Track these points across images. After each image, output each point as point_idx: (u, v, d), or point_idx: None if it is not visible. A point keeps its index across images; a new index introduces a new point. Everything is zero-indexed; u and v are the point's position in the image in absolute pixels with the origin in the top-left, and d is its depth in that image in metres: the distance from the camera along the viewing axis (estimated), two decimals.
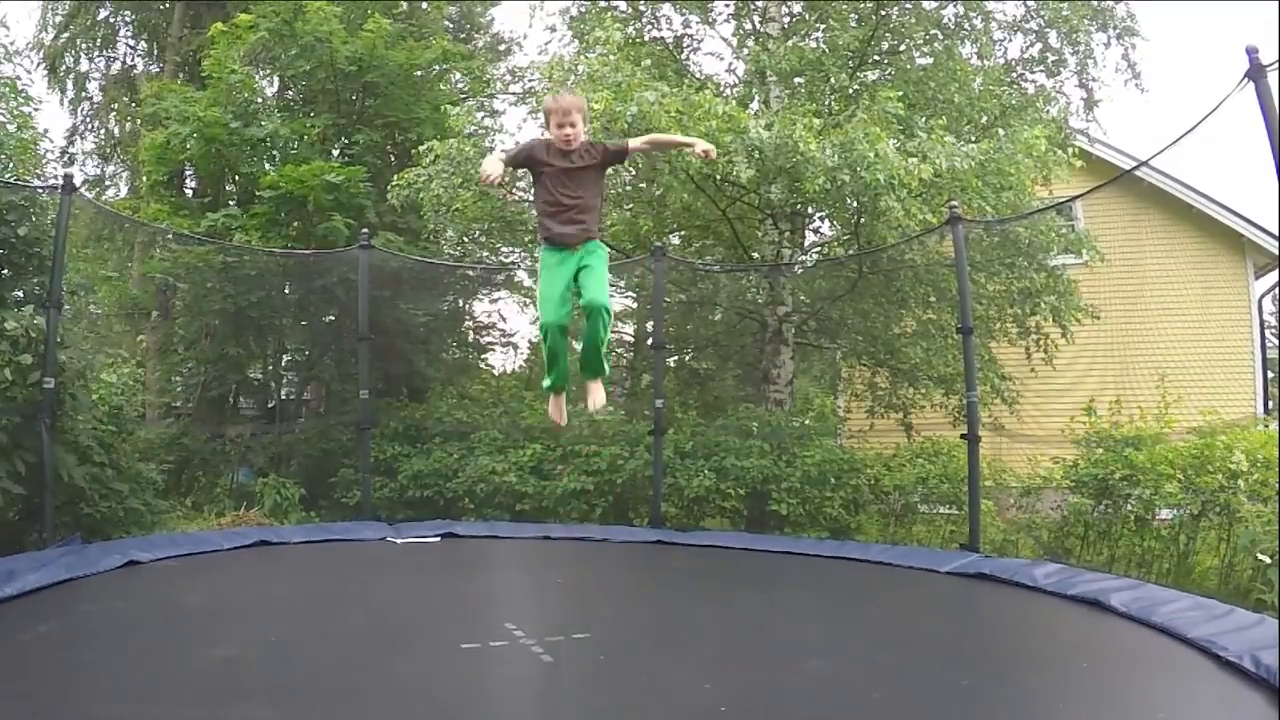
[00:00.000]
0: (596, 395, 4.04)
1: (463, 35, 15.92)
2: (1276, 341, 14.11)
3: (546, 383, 4.12)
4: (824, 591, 5.58)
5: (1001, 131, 8.57)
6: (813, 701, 3.18)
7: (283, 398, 12.41)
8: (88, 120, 17.18)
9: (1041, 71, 10.17)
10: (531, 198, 10.18)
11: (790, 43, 9.94)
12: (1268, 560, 5.68)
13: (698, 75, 10.89)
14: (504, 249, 12.09)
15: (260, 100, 11.61)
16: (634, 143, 4.21)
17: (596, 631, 4.20)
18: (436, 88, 12.42)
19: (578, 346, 4.24)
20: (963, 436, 7.02)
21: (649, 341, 12.26)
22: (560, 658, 3.65)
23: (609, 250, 4.09)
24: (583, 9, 10.78)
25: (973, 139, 8.52)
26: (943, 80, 9.39)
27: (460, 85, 13.11)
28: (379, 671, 3.36)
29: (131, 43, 16.82)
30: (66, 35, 16.23)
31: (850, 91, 9.34)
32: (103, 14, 16.22)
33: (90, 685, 3.10)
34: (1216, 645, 3.56)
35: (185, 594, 4.76)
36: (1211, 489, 6.35)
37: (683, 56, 11.14)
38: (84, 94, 16.85)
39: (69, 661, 3.35)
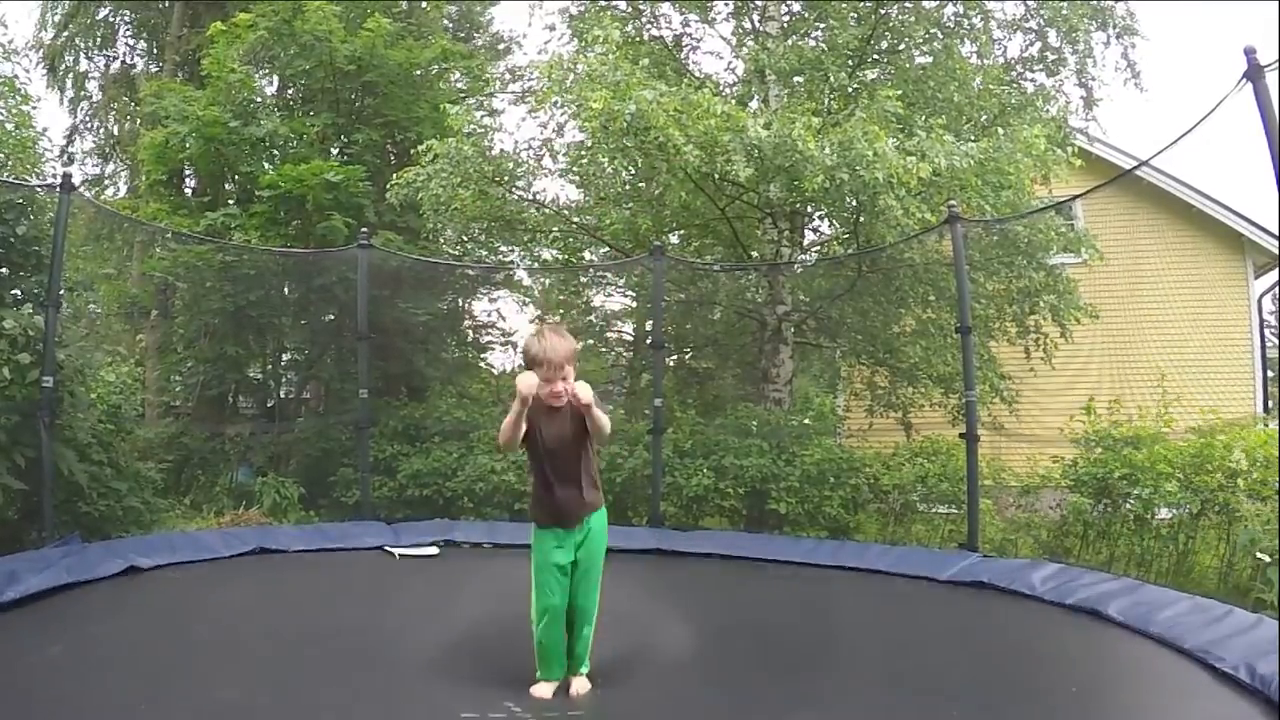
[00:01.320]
0: (580, 685, 3.36)
1: (462, 34, 15.91)
2: (1276, 340, 14.11)
3: (543, 674, 3.31)
4: (822, 603, 5.53)
5: (1001, 130, 8.57)
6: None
7: (282, 397, 12.40)
8: (87, 119, 17.19)
9: (1041, 70, 10.16)
10: (527, 196, 10.27)
11: (789, 42, 9.94)
12: (1267, 559, 5.69)
13: (697, 74, 10.89)
14: (503, 248, 12.09)
15: (259, 99, 11.63)
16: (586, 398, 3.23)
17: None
18: (436, 87, 12.42)
19: None
20: (961, 436, 7.01)
21: (648, 341, 12.25)
22: None
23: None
24: (582, 8, 10.77)
25: (972, 138, 8.51)
26: (942, 79, 9.39)
27: (459, 84, 13.12)
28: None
29: (131, 42, 16.83)
30: (66, 34, 16.23)
31: (849, 90, 9.33)
32: (102, 13, 16.22)
33: (85, 697, 3.08)
34: (1213, 655, 3.55)
35: (185, 604, 4.76)
36: (1211, 488, 6.36)
37: (682, 55, 11.14)
38: (83, 93, 16.85)
39: (64, 672, 3.35)
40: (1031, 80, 10.25)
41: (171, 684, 3.28)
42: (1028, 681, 3.62)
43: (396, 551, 6.66)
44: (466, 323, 14.70)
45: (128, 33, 16.68)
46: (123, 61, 16.84)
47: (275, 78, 13.03)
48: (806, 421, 9.42)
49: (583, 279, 12.90)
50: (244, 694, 3.15)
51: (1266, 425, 8.77)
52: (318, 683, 3.35)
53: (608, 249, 11.47)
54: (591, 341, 16.14)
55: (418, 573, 6.21)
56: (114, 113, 16.98)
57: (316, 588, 5.63)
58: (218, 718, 2.93)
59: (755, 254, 10.40)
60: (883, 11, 9.50)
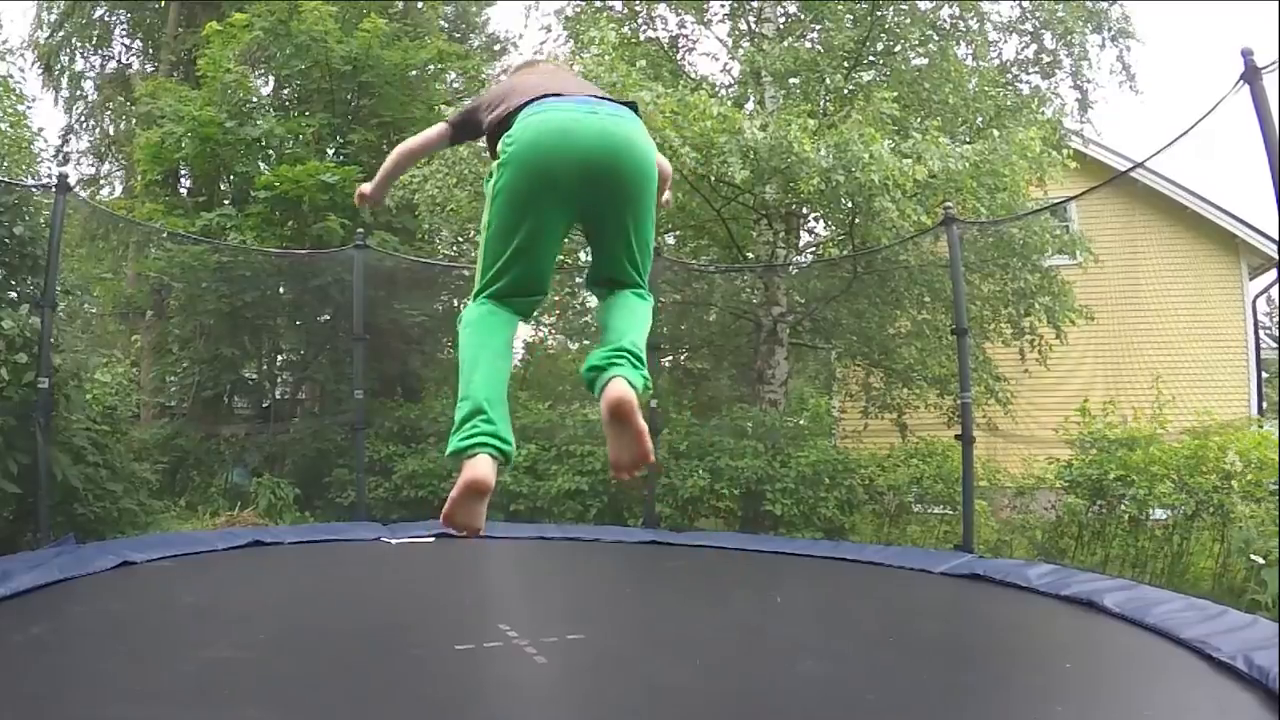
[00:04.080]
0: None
1: (458, 35, 15.92)
2: (1270, 342, 14.17)
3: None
4: (819, 592, 5.58)
5: (996, 133, 8.59)
6: (809, 702, 3.18)
7: (277, 397, 12.38)
8: (82, 119, 17.17)
9: (1036, 73, 10.21)
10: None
11: (785, 43, 9.95)
12: (1261, 561, 5.70)
13: (693, 75, 10.90)
14: None
15: (255, 99, 11.61)
16: None
17: (591, 632, 4.19)
18: (432, 87, 12.42)
19: None
20: (957, 437, 7.02)
21: None
22: (554, 659, 3.64)
23: None
24: (578, 9, 10.79)
25: (967, 140, 8.53)
26: (938, 81, 9.41)
27: (456, 85, 13.11)
28: (373, 672, 3.36)
29: (126, 42, 16.82)
30: (61, 34, 16.21)
31: (845, 92, 9.35)
32: (97, 13, 16.20)
33: (82, 686, 3.08)
34: (1210, 646, 3.55)
35: (179, 595, 4.74)
36: (1205, 489, 6.37)
37: (678, 57, 11.15)
38: (79, 93, 16.84)
39: (61, 662, 3.34)
40: (1027, 82, 10.30)
41: (159, 658, 3.34)
42: (1025, 657, 3.63)
43: (393, 541, 6.73)
44: None
45: (123, 32, 16.67)
46: (118, 61, 16.84)
47: (271, 78, 13.03)
48: (802, 423, 9.42)
49: (578, 280, 12.89)
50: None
51: (1261, 427, 8.80)
52: (308, 632, 3.38)
53: None
54: (587, 342, 16.12)
55: (414, 555, 6.36)
56: (109, 113, 16.96)
57: (312, 566, 5.76)
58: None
59: (751, 255, 10.41)
60: (879, 13, 9.52)
